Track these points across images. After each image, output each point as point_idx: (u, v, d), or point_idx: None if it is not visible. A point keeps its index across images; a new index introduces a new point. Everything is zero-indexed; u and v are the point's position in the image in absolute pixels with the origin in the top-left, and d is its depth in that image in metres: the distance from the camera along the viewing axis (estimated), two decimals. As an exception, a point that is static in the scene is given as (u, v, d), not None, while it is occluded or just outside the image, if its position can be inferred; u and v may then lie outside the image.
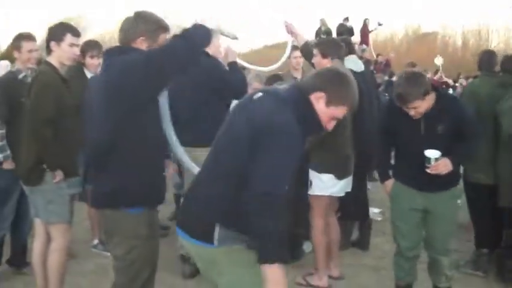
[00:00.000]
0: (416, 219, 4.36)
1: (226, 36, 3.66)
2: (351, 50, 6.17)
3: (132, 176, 3.25)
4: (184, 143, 4.57)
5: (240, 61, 5.67)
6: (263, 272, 2.48)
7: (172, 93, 5.34)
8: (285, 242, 2.51)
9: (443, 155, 4.03)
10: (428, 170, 4.03)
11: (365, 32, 22.64)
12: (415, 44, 34.25)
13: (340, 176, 5.03)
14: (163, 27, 3.41)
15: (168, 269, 5.38)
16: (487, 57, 5.91)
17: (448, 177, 4.12)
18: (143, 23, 3.34)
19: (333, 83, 2.80)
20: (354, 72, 5.75)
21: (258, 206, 2.49)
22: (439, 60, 19.88)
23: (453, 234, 4.44)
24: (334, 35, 19.23)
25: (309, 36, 19.33)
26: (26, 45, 4.86)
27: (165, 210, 7.35)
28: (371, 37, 23.60)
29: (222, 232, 2.70)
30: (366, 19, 23.64)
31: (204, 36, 3.28)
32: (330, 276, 5.25)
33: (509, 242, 5.28)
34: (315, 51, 5.17)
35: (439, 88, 4.32)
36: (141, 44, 3.32)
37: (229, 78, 5.14)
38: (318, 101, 2.77)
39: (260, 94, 2.84)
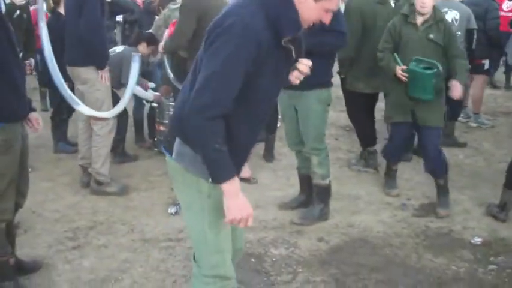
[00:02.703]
0: (292, 117, 4.78)
1: None
2: None
3: None
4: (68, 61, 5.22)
5: None
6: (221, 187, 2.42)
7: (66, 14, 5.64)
8: (225, 159, 2.38)
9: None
10: None
11: None
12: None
13: None
14: None
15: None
16: None
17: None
18: None
19: None
20: None
21: (189, 134, 2.40)
22: None
23: (319, 136, 4.73)
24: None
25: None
26: None
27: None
28: None
29: (180, 146, 2.56)
30: None
31: None
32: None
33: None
34: None
35: None
36: None
37: None
38: None
39: None
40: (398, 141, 5.44)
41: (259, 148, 6.58)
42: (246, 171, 5.75)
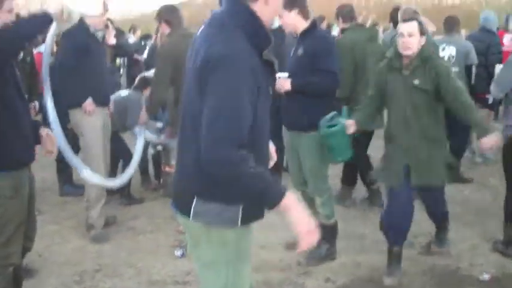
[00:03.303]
0: (294, 157, 4.81)
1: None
2: None
3: None
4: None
5: None
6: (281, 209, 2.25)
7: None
8: (267, 181, 2.23)
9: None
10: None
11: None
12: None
13: None
14: None
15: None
16: (347, 10, 6.23)
17: (301, 117, 4.53)
18: None
19: None
20: None
21: (219, 172, 2.24)
22: None
23: (321, 177, 4.73)
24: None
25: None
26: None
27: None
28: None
29: (200, 205, 2.42)
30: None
31: (34, 26, 3.62)
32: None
33: None
34: None
35: (316, 22, 4.68)
36: None
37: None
38: (256, 3, 2.36)
39: (202, 27, 2.48)
40: (396, 208, 4.50)
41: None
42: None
